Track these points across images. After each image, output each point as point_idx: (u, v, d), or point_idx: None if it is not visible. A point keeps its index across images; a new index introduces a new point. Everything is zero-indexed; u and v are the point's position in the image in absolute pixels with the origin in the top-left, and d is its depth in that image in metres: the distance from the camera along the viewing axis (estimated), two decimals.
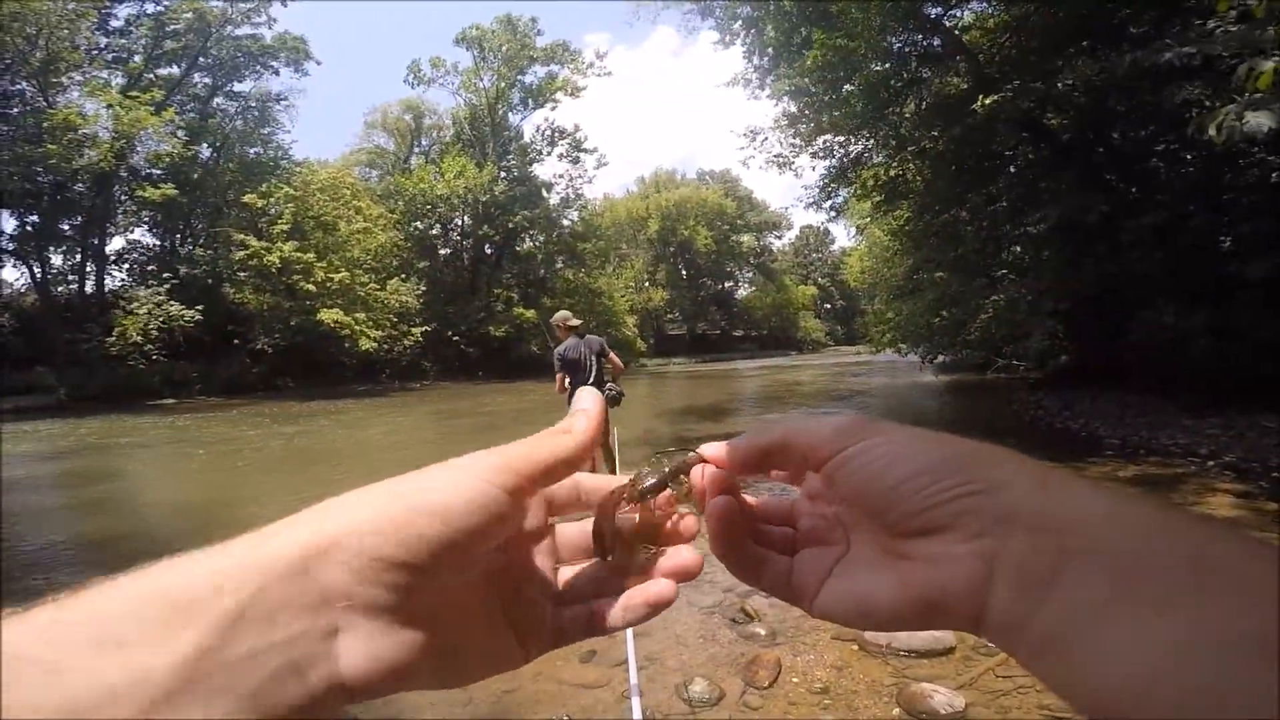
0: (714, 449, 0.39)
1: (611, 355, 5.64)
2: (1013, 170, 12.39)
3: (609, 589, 0.38)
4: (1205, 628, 0.22)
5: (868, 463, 0.32)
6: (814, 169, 15.98)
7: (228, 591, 0.24)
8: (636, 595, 0.37)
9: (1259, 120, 3.08)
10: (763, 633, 3.02)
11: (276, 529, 0.28)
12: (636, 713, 2.00)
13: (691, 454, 0.39)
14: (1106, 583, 0.24)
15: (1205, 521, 0.25)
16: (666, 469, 0.39)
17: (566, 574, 0.39)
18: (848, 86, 13.08)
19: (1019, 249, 12.71)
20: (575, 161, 42.22)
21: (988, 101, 8.96)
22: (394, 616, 0.28)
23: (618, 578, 0.38)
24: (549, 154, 41.99)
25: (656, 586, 0.37)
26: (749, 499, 0.39)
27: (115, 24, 27.72)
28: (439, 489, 0.30)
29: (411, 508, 0.29)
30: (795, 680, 2.62)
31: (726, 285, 68.22)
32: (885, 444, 0.32)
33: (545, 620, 0.36)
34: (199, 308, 24.11)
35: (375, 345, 27.47)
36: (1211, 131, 3.28)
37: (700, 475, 0.38)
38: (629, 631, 2.38)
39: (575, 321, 5.55)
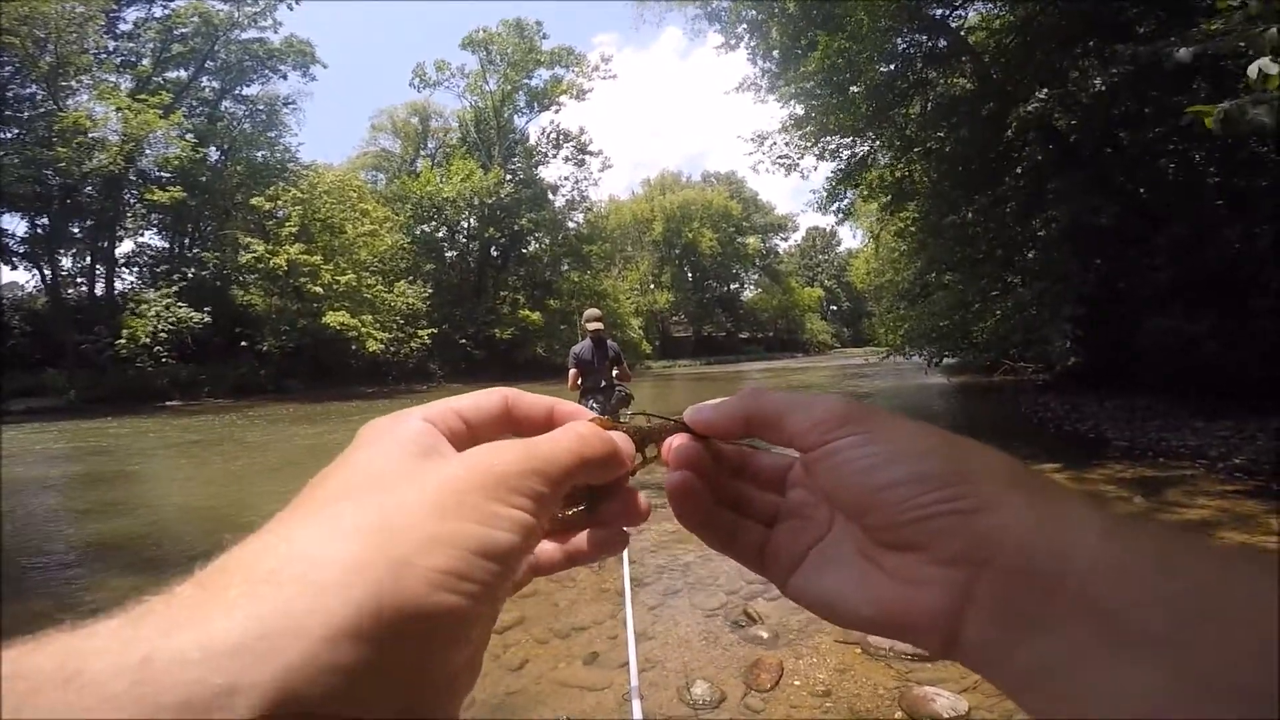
0: (699, 413, 0.36)
1: (622, 365, 5.69)
2: (1019, 171, 12.34)
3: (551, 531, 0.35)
4: (1194, 678, 0.21)
5: (850, 460, 0.30)
6: (818, 170, 16.01)
7: None
8: (584, 538, 0.35)
9: (1258, 114, 3.06)
10: (765, 635, 3.01)
11: (266, 578, 0.21)
12: (637, 715, 1.99)
13: (672, 422, 0.37)
14: (1094, 628, 0.23)
15: (1209, 556, 0.24)
16: (640, 425, 0.37)
17: None
18: (853, 88, 13.06)
19: (1028, 250, 12.66)
20: (580, 164, 42.45)
21: (1023, 112, 8.92)
22: (453, 665, 0.24)
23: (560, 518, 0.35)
24: (554, 156, 42.24)
25: (605, 534, 0.35)
26: (746, 450, 0.37)
27: (124, 28, 27.97)
28: (488, 525, 0.25)
29: (468, 547, 0.24)
30: (797, 683, 2.61)
31: (732, 287, 68.14)
32: (872, 441, 0.30)
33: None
34: (207, 310, 24.30)
35: (382, 347, 27.60)
36: (1213, 125, 3.26)
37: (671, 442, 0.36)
38: (630, 634, 2.38)
39: (595, 325, 5.60)
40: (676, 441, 0.36)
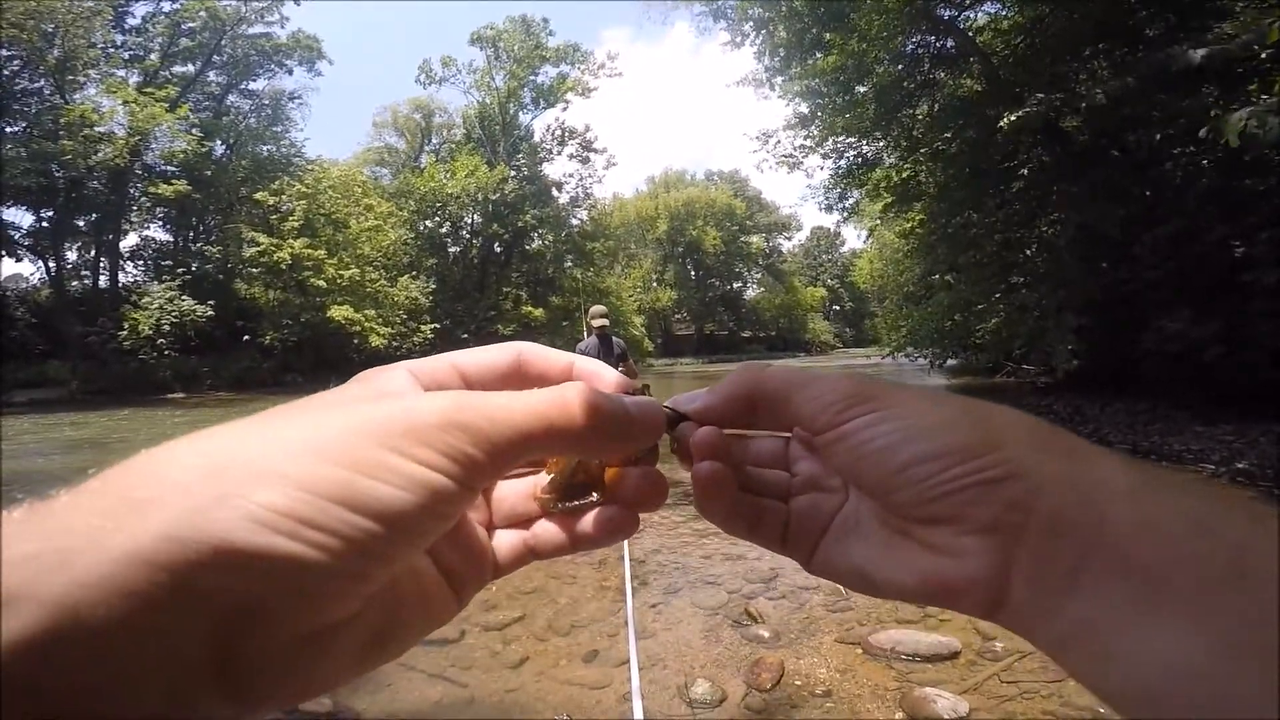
0: (691, 403, 0.34)
1: (628, 363, 5.68)
2: (1025, 174, 12.31)
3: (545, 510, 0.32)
4: (1222, 636, 0.21)
5: (866, 441, 0.29)
6: (823, 169, 15.97)
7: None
8: (589, 521, 0.32)
9: (1277, 123, 3.04)
10: (766, 635, 3.01)
11: (111, 507, 0.19)
12: (638, 714, 1.99)
13: (670, 412, 0.34)
14: (1131, 587, 0.23)
15: (1245, 515, 0.23)
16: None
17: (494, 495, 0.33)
18: (860, 88, 13.04)
19: (1032, 253, 12.63)
20: (585, 161, 42.43)
21: (1013, 119, 8.89)
22: (312, 620, 0.21)
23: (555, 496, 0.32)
24: (559, 153, 42.22)
25: (615, 514, 0.31)
26: (741, 435, 0.35)
27: (132, 22, 28.05)
28: (364, 473, 0.21)
29: (322, 492, 0.21)
30: (798, 683, 2.61)
31: (735, 286, 68.04)
32: (893, 419, 0.29)
33: (484, 557, 0.31)
34: (210, 303, 24.34)
35: (385, 342, 27.70)
36: (1231, 137, 3.24)
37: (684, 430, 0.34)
38: (631, 632, 2.38)
39: (600, 322, 5.59)
40: (699, 430, 0.33)
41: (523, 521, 0.32)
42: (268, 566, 0.19)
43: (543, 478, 0.32)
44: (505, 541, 0.31)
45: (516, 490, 0.33)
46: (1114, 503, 0.24)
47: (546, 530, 0.32)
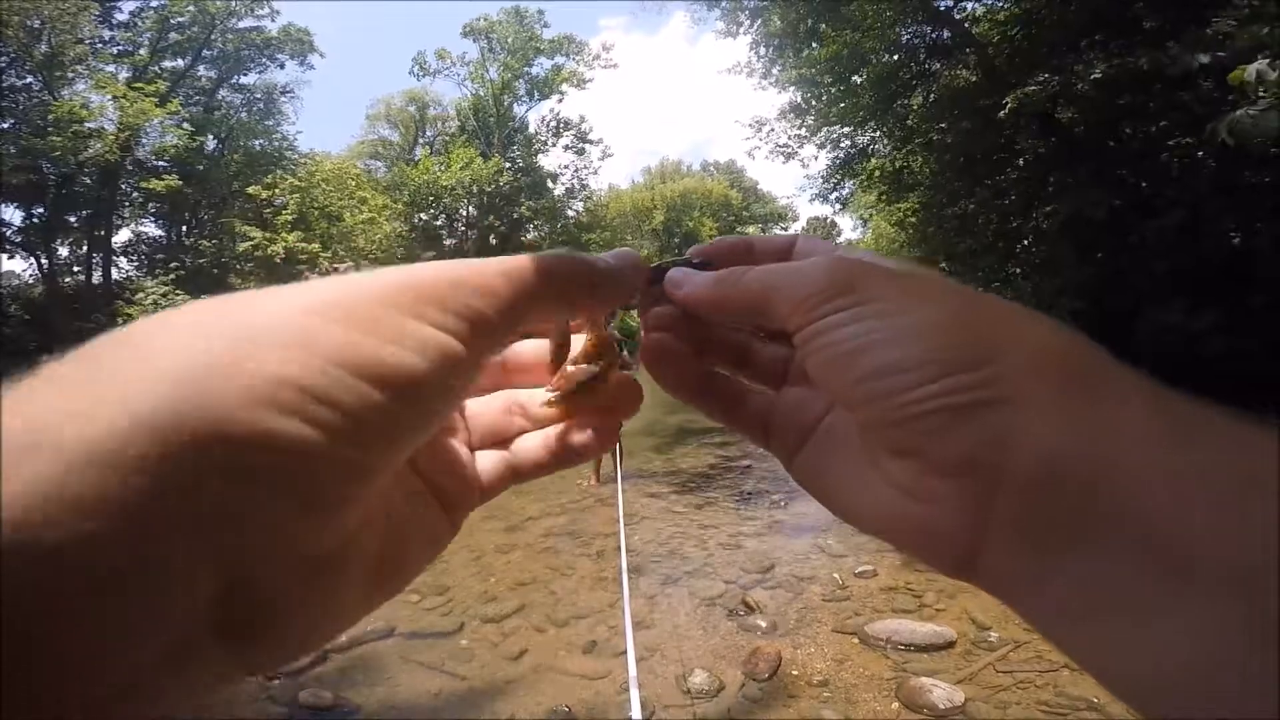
0: (682, 285, 0.30)
1: (623, 356, 5.69)
2: (1022, 163, 12.32)
3: (527, 424, 0.31)
4: (1270, 622, 0.16)
5: (839, 341, 0.23)
6: (818, 159, 16.02)
7: None
8: (572, 434, 0.30)
9: (1270, 119, 3.04)
10: (763, 625, 3.02)
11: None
12: (636, 704, 2.00)
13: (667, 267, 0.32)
14: (1153, 555, 0.18)
15: None
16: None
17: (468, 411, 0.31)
18: (855, 78, 13.04)
19: (1029, 243, 12.67)
20: (580, 152, 42.28)
21: (1019, 94, 8.92)
22: (315, 530, 0.18)
23: (538, 410, 0.30)
24: (554, 145, 42.07)
25: (597, 423, 0.30)
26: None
27: (120, 17, 27.79)
28: (378, 336, 0.19)
29: (335, 357, 0.17)
30: (795, 673, 2.62)
31: None
32: (865, 316, 0.23)
33: (470, 475, 0.29)
34: (205, 297, 24.33)
35: None
36: (1224, 135, 3.25)
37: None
38: (628, 623, 2.39)
39: None
40: (652, 312, 0.32)
41: (500, 440, 0.30)
42: (273, 456, 0.16)
43: (520, 393, 0.31)
44: (487, 461, 0.29)
45: (491, 407, 0.31)
46: (1136, 447, 0.19)
47: (526, 447, 0.30)
